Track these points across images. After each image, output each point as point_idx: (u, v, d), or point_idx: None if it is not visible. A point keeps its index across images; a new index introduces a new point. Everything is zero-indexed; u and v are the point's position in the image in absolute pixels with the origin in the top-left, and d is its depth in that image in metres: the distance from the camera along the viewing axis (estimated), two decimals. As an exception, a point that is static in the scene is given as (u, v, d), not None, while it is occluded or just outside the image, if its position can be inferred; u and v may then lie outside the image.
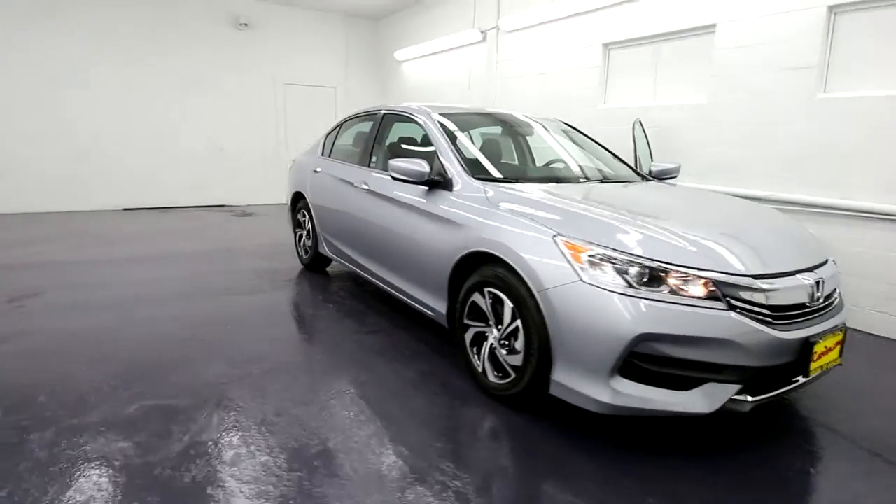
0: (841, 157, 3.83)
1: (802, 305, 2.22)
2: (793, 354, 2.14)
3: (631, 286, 2.08)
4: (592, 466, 2.10)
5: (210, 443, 2.16)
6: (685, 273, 2.08)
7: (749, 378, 2.09)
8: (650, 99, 5.24)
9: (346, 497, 1.86)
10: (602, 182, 3.34)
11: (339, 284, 4.58)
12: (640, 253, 2.13)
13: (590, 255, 2.17)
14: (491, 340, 2.62)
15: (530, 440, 2.29)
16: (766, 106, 4.22)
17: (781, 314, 2.14)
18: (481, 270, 2.63)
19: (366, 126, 4.23)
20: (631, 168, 3.82)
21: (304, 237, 4.99)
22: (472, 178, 2.97)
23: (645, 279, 2.09)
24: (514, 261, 2.41)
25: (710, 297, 2.05)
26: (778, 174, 4.18)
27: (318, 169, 4.65)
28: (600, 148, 3.95)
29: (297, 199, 5.05)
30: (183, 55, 8.55)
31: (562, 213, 2.47)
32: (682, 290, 2.06)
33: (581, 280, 2.16)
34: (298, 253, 5.20)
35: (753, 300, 2.09)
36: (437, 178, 3.08)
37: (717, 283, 2.06)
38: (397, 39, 9.53)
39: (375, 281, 3.76)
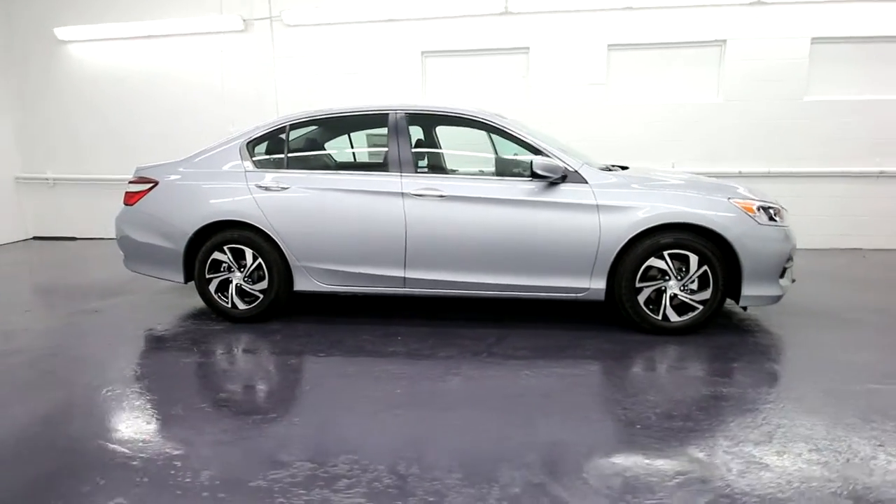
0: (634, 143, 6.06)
1: None
2: None
3: (772, 220, 3.33)
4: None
5: None
6: (775, 207, 3.47)
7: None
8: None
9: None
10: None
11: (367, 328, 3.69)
12: (768, 200, 3.36)
13: (758, 206, 3.28)
14: (674, 290, 3.32)
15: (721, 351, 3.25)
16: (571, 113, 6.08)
17: None
18: (654, 238, 3.26)
19: (360, 130, 3.63)
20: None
21: (240, 281, 3.63)
22: (597, 169, 3.44)
23: (773, 214, 3.37)
24: (709, 222, 3.16)
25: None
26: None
27: (284, 186, 3.54)
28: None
29: (209, 234, 3.60)
30: None
31: (691, 185, 3.42)
32: (776, 217, 3.45)
33: (758, 223, 3.25)
34: (220, 306, 3.69)
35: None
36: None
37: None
38: (57, 10, 6.70)
39: (451, 291, 3.48)
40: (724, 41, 5.76)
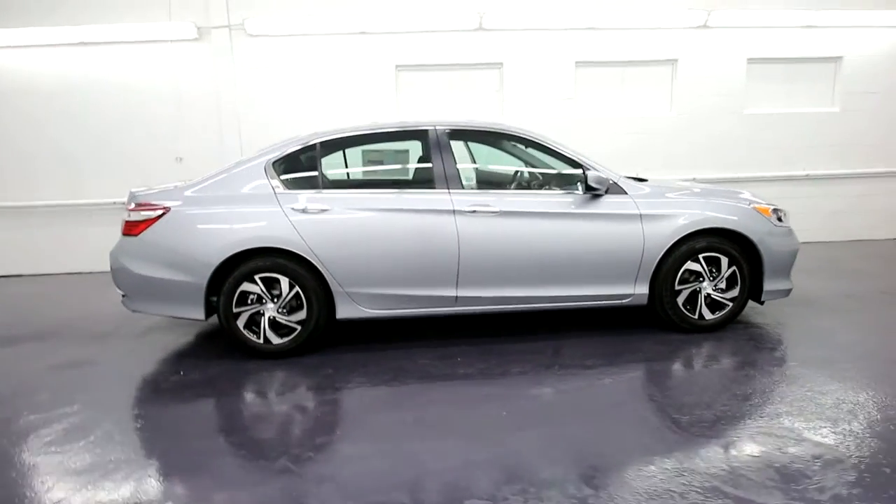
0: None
1: None
2: None
3: (780, 221, 3.71)
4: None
5: None
6: (782, 210, 3.85)
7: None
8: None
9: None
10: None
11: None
12: (777, 205, 3.74)
13: (772, 211, 3.64)
14: (708, 290, 3.57)
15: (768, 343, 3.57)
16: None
17: None
18: (689, 243, 3.49)
19: (392, 147, 3.54)
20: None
21: (273, 313, 3.31)
22: (631, 181, 3.62)
23: (780, 216, 3.75)
24: (739, 226, 3.46)
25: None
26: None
27: (323, 207, 3.31)
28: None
29: (234, 264, 3.26)
30: None
31: (711, 193, 3.71)
32: (783, 218, 3.83)
33: (774, 225, 3.60)
34: (251, 342, 3.33)
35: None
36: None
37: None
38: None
39: (503, 307, 3.48)
40: (676, 60, 6.34)
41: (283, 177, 3.45)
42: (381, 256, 3.35)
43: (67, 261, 6.20)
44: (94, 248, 6.13)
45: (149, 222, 3.34)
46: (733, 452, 2.20)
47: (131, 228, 3.38)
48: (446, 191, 3.42)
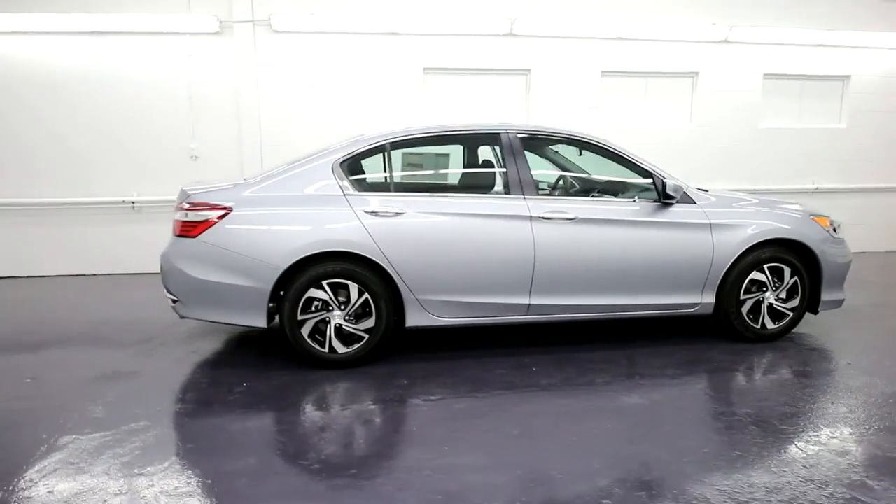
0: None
1: None
2: None
3: (835, 232, 3.78)
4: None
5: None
6: (837, 222, 3.91)
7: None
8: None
9: None
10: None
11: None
12: (832, 217, 3.82)
13: (829, 222, 3.70)
14: (770, 300, 3.59)
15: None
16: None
17: None
18: (755, 253, 3.51)
19: (462, 149, 3.45)
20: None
21: (340, 321, 3.15)
22: (697, 190, 3.62)
23: (836, 228, 3.81)
24: (802, 237, 3.52)
25: None
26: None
27: (398, 210, 3.17)
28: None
29: (299, 269, 3.08)
30: None
31: (772, 204, 3.75)
32: (837, 230, 3.88)
33: (832, 237, 3.67)
34: (315, 351, 3.15)
35: None
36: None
37: None
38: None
39: (575, 315, 3.42)
40: (697, 73, 6.46)
41: (352, 177, 3.30)
42: (456, 262, 3.23)
43: (68, 262, 5.81)
44: (97, 249, 5.79)
45: (209, 223, 3.13)
46: (861, 458, 2.19)
47: (188, 229, 3.16)
48: (521, 196, 3.35)
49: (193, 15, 5.53)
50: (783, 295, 3.62)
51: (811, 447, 2.33)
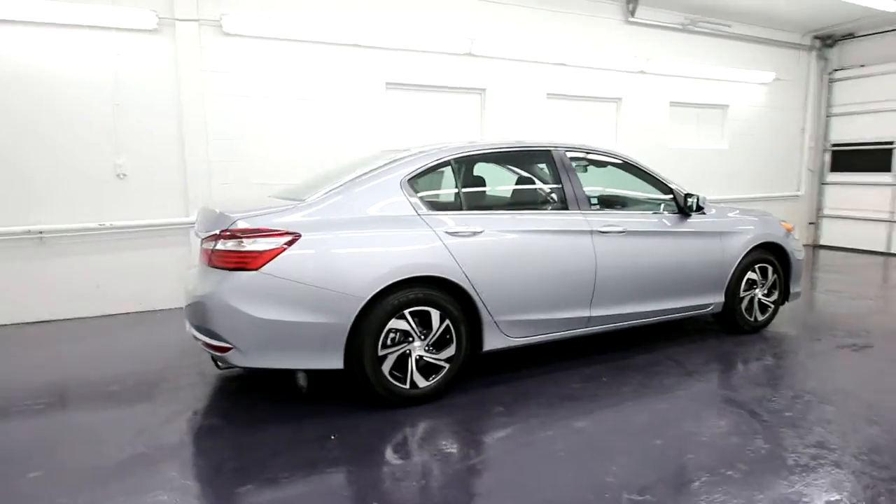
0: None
1: None
2: None
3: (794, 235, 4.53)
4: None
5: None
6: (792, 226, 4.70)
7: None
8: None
9: None
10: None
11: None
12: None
13: (791, 226, 4.41)
14: (759, 295, 4.16)
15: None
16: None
17: None
18: (750, 256, 4.04)
19: (519, 166, 3.47)
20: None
21: (421, 352, 2.90)
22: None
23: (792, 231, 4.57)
24: (780, 240, 4.14)
25: None
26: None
27: (476, 230, 3.02)
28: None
29: (379, 299, 2.78)
30: None
31: (753, 212, 4.37)
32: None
33: (794, 238, 4.37)
34: (395, 389, 2.84)
35: None
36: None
37: None
38: None
39: (625, 323, 3.63)
40: (621, 98, 7.22)
41: (419, 194, 3.09)
42: (532, 279, 3.22)
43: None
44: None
45: (275, 251, 2.68)
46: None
47: (246, 260, 2.67)
48: (579, 211, 3.45)
49: (122, 7, 4.66)
50: (765, 291, 4.24)
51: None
